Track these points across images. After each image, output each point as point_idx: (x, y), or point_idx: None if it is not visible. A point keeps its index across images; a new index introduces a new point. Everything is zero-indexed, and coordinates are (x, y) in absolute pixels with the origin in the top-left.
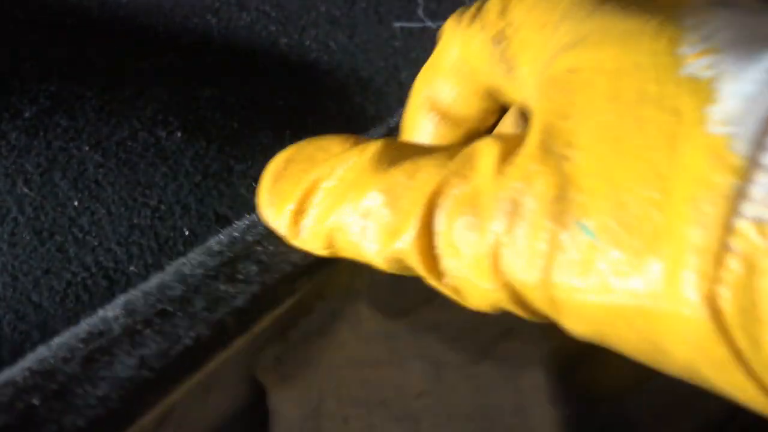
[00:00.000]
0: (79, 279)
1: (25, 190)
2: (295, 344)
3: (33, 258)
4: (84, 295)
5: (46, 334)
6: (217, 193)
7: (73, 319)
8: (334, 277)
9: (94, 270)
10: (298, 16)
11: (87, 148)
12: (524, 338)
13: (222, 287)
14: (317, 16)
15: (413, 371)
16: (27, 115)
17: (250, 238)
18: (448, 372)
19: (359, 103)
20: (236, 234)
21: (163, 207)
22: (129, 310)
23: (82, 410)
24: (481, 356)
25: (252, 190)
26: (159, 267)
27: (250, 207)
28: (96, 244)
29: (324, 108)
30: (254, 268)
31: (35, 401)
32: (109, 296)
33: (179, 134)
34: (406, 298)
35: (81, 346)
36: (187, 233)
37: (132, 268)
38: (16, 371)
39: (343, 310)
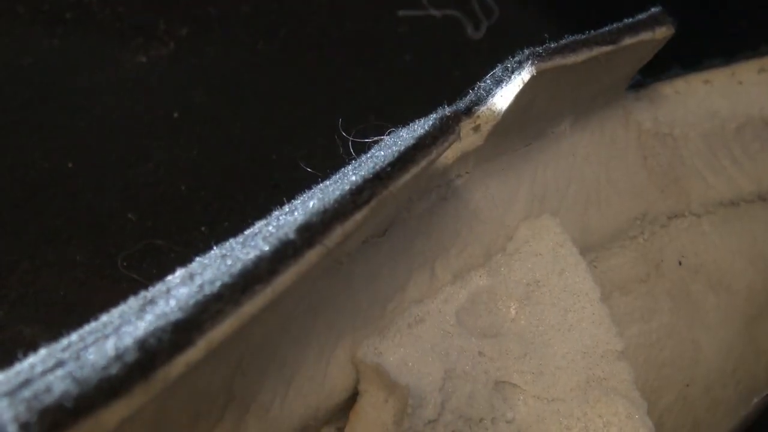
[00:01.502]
0: (72, 223)
1: None
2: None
3: (20, 207)
4: (75, 238)
5: (36, 263)
6: (213, 164)
7: (68, 254)
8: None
9: (87, 216)
10: (298, 7)
11: (82, 125)
12: None
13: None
14: (319, 7)
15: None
16: (19, 101)
17: None
18: None
19: (362, 84)
20: None
21: (160, 170)
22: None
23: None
24: None
25: (249, 165)
26: (157, 214)
27: (247, 178)
28: (90, 197)
29: (324, 91)
30: None
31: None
32: (102, 239)
33: (175, 115)
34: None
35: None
36: (183, 188)
37: (130, 215)
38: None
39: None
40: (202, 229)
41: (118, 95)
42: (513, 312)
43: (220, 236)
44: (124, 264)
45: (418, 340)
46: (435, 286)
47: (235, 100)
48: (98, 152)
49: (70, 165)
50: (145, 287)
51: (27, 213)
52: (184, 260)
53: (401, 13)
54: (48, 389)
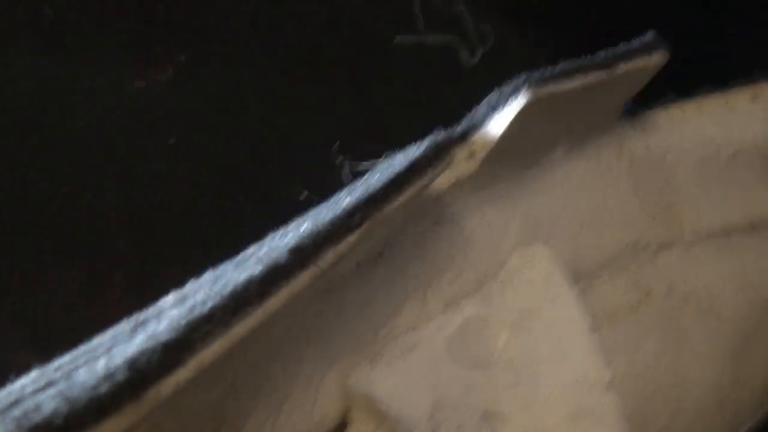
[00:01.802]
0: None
1: None
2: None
3: (15, 227)
4: (69, 260)
5: (29, 284)
6: (210, 189)
7: (62, 276)
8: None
9: (82, 238)
10: (295, 33)
11: (80, 147)
12: None
13: None
14: (316, 33)
15: None
16: (17, 123)
17: None
18: None
19: (359, 109)
20: None
21: (157, 194)
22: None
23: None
24: None
25: (246, 189)
26: (153, 237)
27: (244, 202)
28: (86, 219)
29: (321, 115)
30: None
31: None
32: (96, 262)
33: (172, 140)
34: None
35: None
36: (179, 212)
37: (125, 238)
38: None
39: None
40: (198, 253)
41: (117, 119)
42: (504, 341)
43: (215, 260)
44: (118, 287)
45: (409, 368)
46: (427, 313)
47: (232, 125)
48: (94, 175)
49: (65, 189)
50: (139, 310)
51: (22, 233)
52: (179, 284)
53: (398, 38)
54: (38, 408)
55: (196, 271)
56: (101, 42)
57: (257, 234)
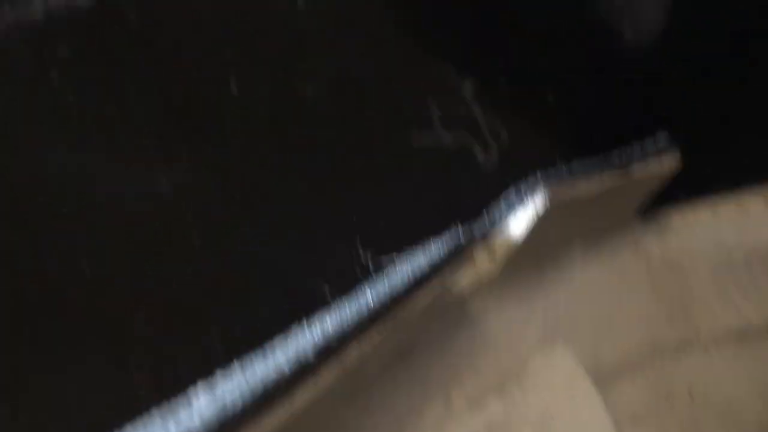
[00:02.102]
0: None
1: None
2: None
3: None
4: (87, 346)
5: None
6: (230, 280)
7: (79, 364)
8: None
9: (100, 324)
10: (310, 128)
11: (100, 238)
12: None
13: None
14: (329, 124)
15: None
16: (40, 210)
17: None
18: None
19: (373, 207)
20: None
21: (177, 285)
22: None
23: None
24: None
25: (265, 282)
26: (171, 327)
27: (264, 295)
28: (105, 307)
29: (340, 211)
30: None
31: None
32: (115, 348)
33: (194, 233)
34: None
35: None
36: (199, 305)
37: (144, 327)
38: None
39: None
40: (218, 345)
41: (138, 212)
42: None
43: (233, 350)
44: (138, 375)
45: None
46: (451, 411)
47: (253, 223)
48: (114, 266)
49: (87, 272)
50: (160, 399)
51: (40, 319)
52: (198, 374)
53: (414, 135)
54: None
55: (215, 362)
56: (125, 134)
57: (277, 328)
